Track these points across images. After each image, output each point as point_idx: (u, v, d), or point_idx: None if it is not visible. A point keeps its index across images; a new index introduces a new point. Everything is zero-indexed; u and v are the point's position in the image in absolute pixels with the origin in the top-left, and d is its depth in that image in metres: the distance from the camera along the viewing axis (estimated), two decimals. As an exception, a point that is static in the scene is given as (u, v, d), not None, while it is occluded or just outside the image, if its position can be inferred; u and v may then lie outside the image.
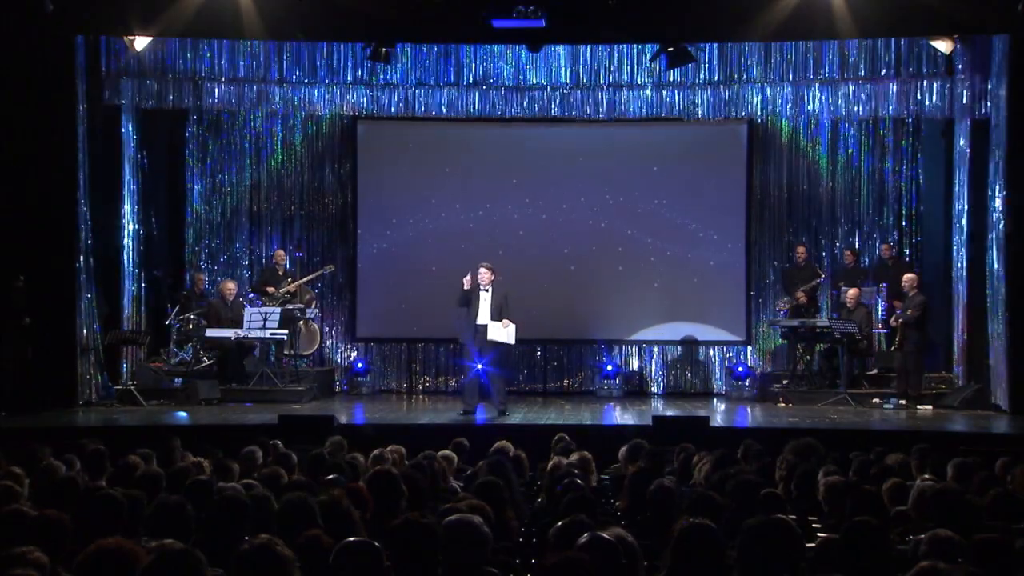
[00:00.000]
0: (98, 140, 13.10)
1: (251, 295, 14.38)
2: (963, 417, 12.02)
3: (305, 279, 14.32)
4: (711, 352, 15.09)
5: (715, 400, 14.32)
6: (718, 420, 12.01)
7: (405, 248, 14.86)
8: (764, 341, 14.99)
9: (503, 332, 11.61)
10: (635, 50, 14.01)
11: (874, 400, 12.81)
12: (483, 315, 11.63)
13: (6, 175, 12.05)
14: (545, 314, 14.92)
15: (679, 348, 15.10)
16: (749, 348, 14.92)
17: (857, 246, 14.64)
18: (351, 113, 14.44)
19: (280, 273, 14.27)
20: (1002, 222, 12.28)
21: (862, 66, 13.56)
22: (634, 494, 6.25)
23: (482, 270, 11.69)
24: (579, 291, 14.99)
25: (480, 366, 14.58)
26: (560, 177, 14.80)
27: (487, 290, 11.64)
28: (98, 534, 3.96)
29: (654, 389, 15.00)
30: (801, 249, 14.37)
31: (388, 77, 14.18)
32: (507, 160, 14.84)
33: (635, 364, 15.12)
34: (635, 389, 14.83)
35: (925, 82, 13.42)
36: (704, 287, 15.01)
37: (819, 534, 5.26)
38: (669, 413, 13.06)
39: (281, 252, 14.56)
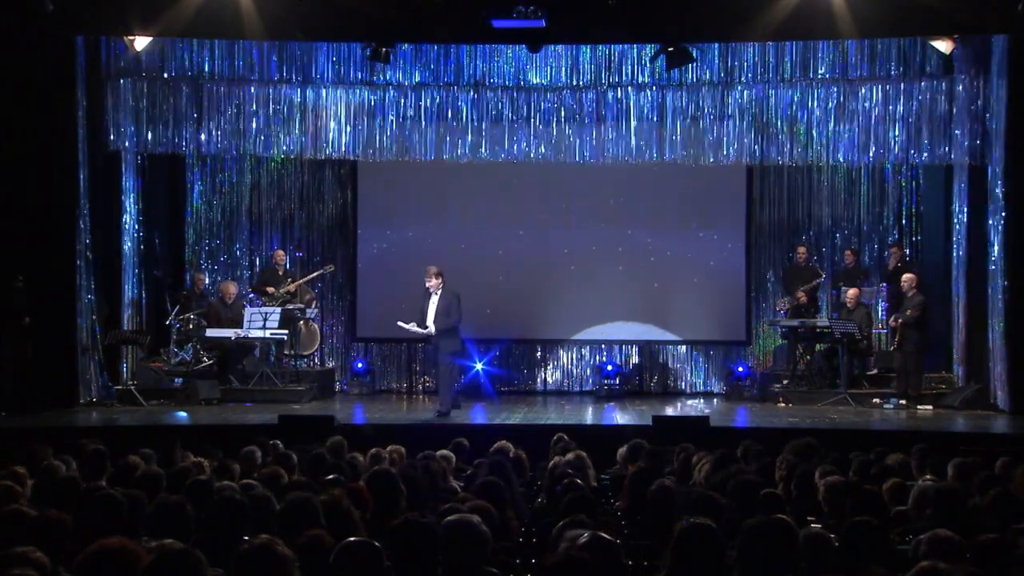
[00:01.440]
0: (98, 140, 13.10)
1: (251, 295, 14.39)
2: (963, 417, 12.02)
3: (305, 279, 14.33)
4: (711, 352, 15.10)
5: (715, 400, 14.32)
6: (718, 420, 12.00)
7: (405, 248, 14.86)
8: (764, 341, 15.00)
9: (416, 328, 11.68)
10: (635, 50, 13.98)
11: (874, 400, 12.82)
12: (429, 318, 11.72)
13: (6, 175, 12.06)
14: (545, 314, 14.97)
15: (679, 348, 15.11)
16: (749, 348, 14.94)
17: (857, 246, 14.65)
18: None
19: (280, 273, 14.29)
20: (1002, 222, 12.30)
21: (864, 66, 13.52)
22: (634, 494, 6.25)
23: (427, 277, 11.77)
24: (579, 291, 14.99)
25: (480, 366, 14.70)
26: (560, 177, 14.78)
27: (435, 293, 11.71)
28: (98, 534, 3.96)
29: (654, 389, 15.00)
30: (802, 249, 14.38)
31: (388, 78, 14.14)
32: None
33: (635, 364, 15.13)
34: (635, 389, 14.84)
35: (925, 82, 13.39)
36: (704, 287, 15.01)
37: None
38: (669, 413, 13.07)
39: (281, 252, 14.58)
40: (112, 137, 13.47)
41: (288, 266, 14.73)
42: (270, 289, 13.99)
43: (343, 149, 14.06)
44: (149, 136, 13.83)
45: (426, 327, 11.77)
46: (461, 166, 14.52)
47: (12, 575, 3.67)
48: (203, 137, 13.98)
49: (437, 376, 12.28)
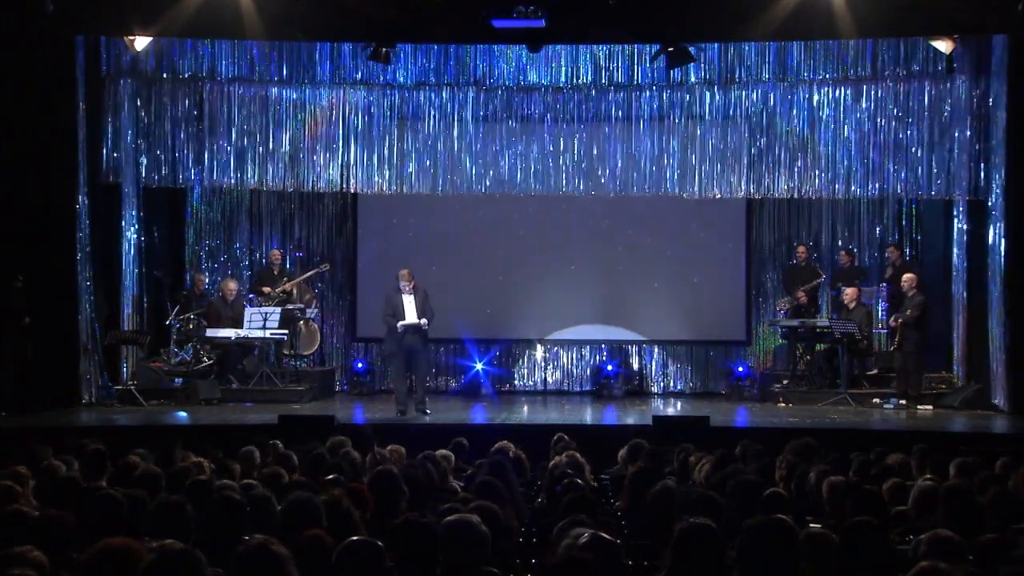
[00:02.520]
0: (98, 140, 13.10)
1: (250, 296, 14.37)
2: (963, 417, 12.03)
3: (301, 278, 14.33)
4: (711, 352, 15.09)
5: (715, 400, 14.31)
6: (718, 420, 11.98)
7: (405, 248, 14.84)
8: (764, 341, 15.00)
9: (418, 323, 11.96)
10: (635, 50, 14.00)
11: (874, 400, 12.82)
12: (410, 315, 11.92)
13: (6, 175, 12.05)
14: (544, 313, 14.97)
15: (679, 348, 15.11)
16: (749, 348, 14.93)
17: (857, 247, 14.63)
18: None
19: (276, 273, 14.28)
20: (1001, 222, 12.30)
21: (865, 65, 13.51)
22: (634, 494, 6.25)
23: (403, 277, 11.98)
24: (579, 290, 15.00)
25: (480, 366, 14.72)
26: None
27: (410, 293, 11.92)
28: (99, 534, 3.97)
29: (654, 389, 15.01)
30: (801, 249, 14.36)
31: (388, 77, 14.14)
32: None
33: (635, 364, 15.12)
34: (635, 389, 14.83)
35: (925, 82, 13.39)
36: (704, 287, 15.01)
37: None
38: (669, 413, 13.08)
39: (276, 252, 14.56)
40: (111, 139, 13.48)
41: (288, 266, 14.75)
42: (266, 289, 13.99)
43: (341, 176, 14.11)
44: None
45: (414, 321, 11.88)
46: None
47: (10, 575, 3.67)
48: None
49: (418, 374, 12.37)
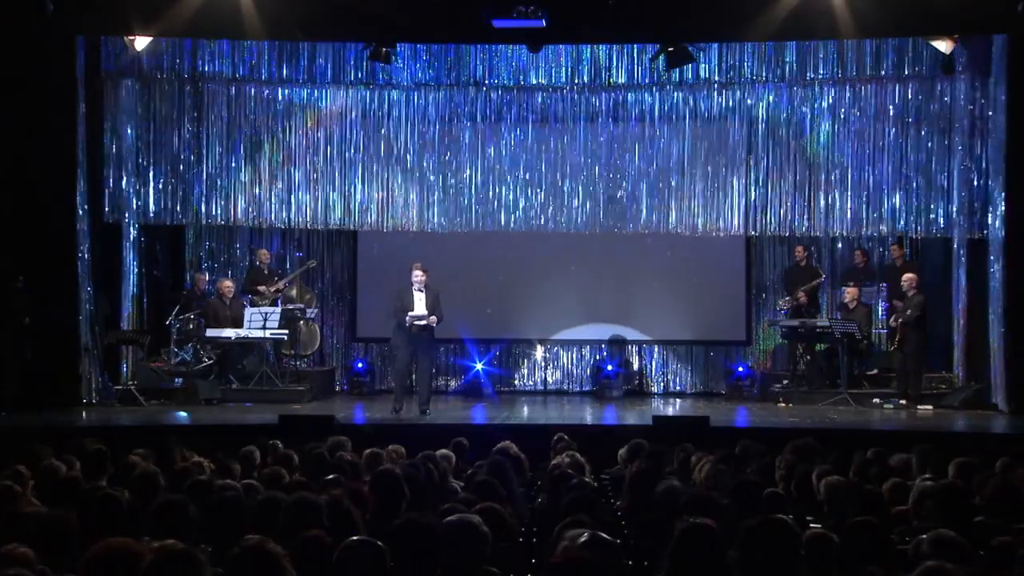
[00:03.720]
0: (98, 140, 13.10)
1: (245, 296, 14.34)
2: (963, 417, 12.02)
3: (288, 277, 14.33)
4: (711, 352, 15.09)
5: (715, 400, 14.31)
6: (718, 420, 11.98)
7: (405, 248, 14.82)
8: (764, 341, 14.99)
9: (426, 320, 11.87)
10: (635, 49, 14.00)
11: (874, 400, 12.81)
12: (419, 310, 11.88)
13: (6, 175, 12.05)
14: (544, 313, 14.97)
15: (679, 348, 15.10)
16: (749, 348, 14.93)
17: (857, 246, 14.62)
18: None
19: (265, 272, 14.27)
20: (1001, 221, 12.30)
21: (866, 64, 13.51)
22: (635, 494, 6.25)
23: (417, 272, 11.94)
24: (579, 291, 15.00)
25: (480, 366, 14.72)
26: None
27: (421, 290, 11.89)
28: (99, 534, 3.97)
29: (654, 389, 15.01)
30: (800, 249, 14.30)
31: (388, 76, 14.16)
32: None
33: (635, 364, 15.12)
34: (635, 389, 14.83)
35: (925, 82, 13.39)
36: (704, 287, 15.00)
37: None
38: (669, 413, 13.08)
39: (264, 252, 14.51)
40: (111, 138, 13.48)
41: (289, 265, 14.73)
42: (261, 288, 13.98)
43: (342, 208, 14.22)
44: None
45: (422, 314, 11.84)
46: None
47: (5, 575, 3.66)
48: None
49: (422, 373, 12.28)
